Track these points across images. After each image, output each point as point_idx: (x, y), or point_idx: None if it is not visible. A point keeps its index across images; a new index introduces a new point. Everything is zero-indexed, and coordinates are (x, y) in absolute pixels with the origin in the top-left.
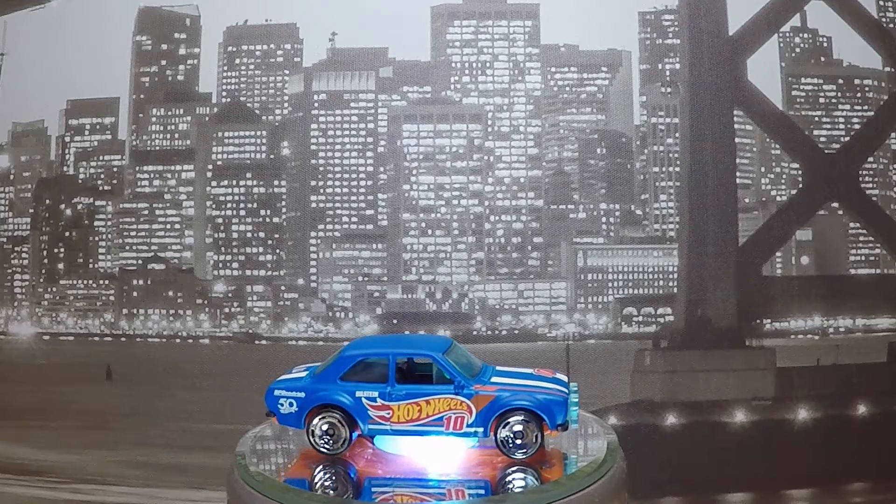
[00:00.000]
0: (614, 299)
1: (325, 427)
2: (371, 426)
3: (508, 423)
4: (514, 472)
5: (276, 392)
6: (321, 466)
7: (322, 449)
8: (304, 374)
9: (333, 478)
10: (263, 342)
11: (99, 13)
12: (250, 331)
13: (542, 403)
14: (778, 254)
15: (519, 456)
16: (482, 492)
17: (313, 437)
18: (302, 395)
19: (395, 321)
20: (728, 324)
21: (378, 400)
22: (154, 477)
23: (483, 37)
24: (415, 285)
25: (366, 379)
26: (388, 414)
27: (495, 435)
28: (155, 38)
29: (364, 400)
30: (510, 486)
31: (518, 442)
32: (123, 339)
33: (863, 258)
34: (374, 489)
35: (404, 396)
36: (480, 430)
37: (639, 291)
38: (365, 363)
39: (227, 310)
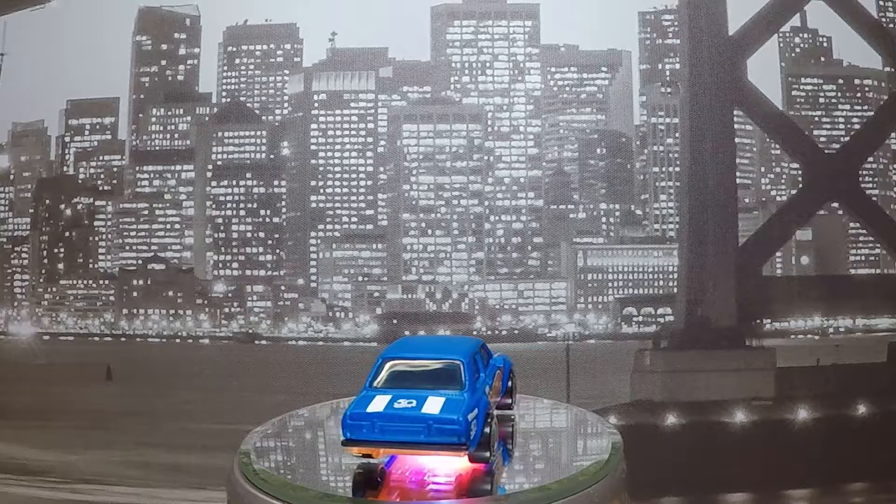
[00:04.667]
0: (614, 299)
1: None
2: None
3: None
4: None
5: (469, 417)
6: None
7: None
8: (383, 397)
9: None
10: (263, 342)
11: (99, 13)
12: (250, 331)
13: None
14: (778, 254)
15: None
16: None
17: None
18: (475, 412)
19: (395, 321)
20: (728, 324)
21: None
22: (154, 477)
23: (483, 37)
24: (415, 285)
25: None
26: None
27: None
28: (155, 38)
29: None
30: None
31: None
32: (123, 339)
33: (863, 258)
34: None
35: (490, 382)
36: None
37: (639, 291)
38: None
39: (227, 310)
